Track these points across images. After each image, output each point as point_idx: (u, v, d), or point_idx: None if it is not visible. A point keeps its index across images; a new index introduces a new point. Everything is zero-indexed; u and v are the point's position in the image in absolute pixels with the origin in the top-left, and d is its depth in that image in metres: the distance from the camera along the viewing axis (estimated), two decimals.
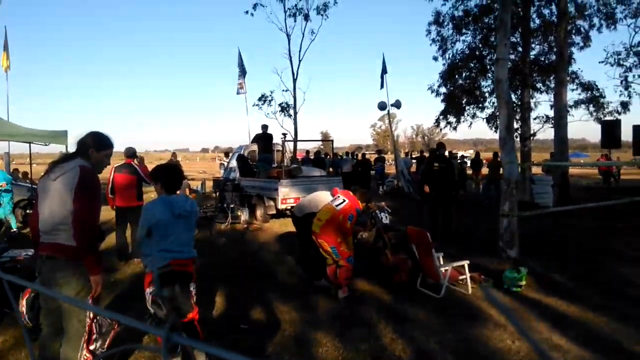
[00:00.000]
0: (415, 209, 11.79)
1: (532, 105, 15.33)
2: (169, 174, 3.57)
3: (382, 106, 17.03)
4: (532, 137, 14.51)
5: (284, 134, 11.75)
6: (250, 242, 8.62)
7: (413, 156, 19.85)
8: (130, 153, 7.23)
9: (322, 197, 6.34)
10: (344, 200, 5.67)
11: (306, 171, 11.75)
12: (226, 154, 17.91)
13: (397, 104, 17.02)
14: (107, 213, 7.20)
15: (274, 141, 13.38)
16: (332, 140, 14.47)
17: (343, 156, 19.78)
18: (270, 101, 22.60)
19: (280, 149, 12.69)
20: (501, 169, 8.92)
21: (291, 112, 22.67)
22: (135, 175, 7.10)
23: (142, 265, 5.75)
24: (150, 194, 3.79)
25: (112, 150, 3.34)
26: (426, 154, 16.71)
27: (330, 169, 16.73)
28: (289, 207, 10.52)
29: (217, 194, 12.39)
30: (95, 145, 3.23)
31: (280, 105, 22.58)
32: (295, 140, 20.21)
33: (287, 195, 10.53)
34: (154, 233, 3.38)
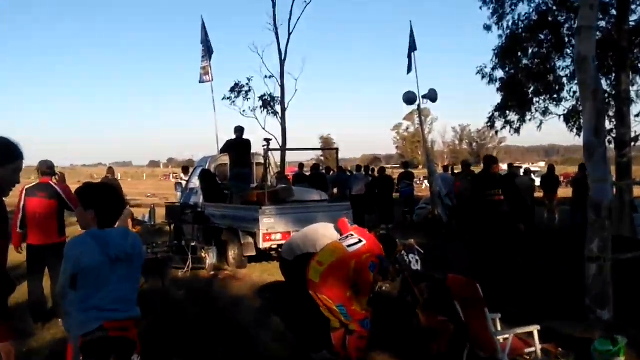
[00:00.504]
0: (459, 248, 11.80)
1: (633, 95, 14.76)
2: (105, 197, 3.60)
3: (410, 99, 17.18)
4: (633, 143, 14.07)
5: (268, 140, 11.84)
6: (220, 296, 8.63)
7: (455, 171, 19.88)
8: (47, 168, 7.22)
9: (324, 231, 6.39)
10: (360, 241, 5.72)
11: (300, 193, 11.83)
12: (185, 170, 18.01)
13: (432, 96, 17.15)
14: (17, 255, 7.19)
15: (253, 151, 13.52)
16: (337, 149, 14.54)
17: (353, 171, 19.88)
18: (247, 93, 22.81)
19: (263, 161, 12.79)
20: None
21: (277, 108, 22.96)
22: (55, 200, 7.07)
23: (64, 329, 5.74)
24: (77, 226, 3.84)
25: (22, 164, 3.38)
26: (472, 168, 16.70)
27: (335, 190, 16.87)
28: (274, 246, 10.58)
29: (172, 226, 12.44)
30: None
31: (261, 98, 22.90)
32: (283, 149, 20.37)
33: (271, 228, 10.59)
34: (80, 283, 3.40)
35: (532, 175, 18.61)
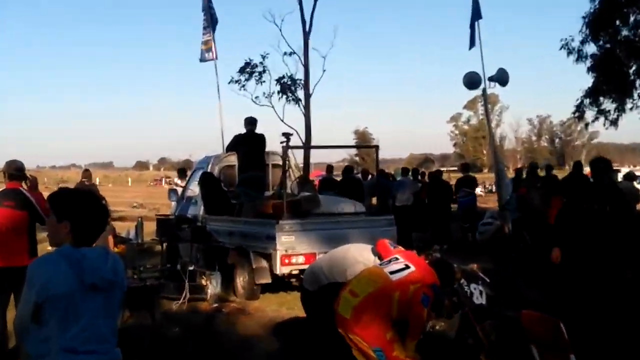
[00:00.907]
0: (536, 275, 11.66)
1: None
2: (85, 206, 3.64)
3: (472, 81, 17.09)
4: None
5: (287, 135, 11.87)
6: (224, 336, 8.67)
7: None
8: (16, 170, 7.19)
9: (358, 254, 6.39)
10: (407, 267, 5.71)
11: (328, 204, 11.88)
12: (181, 173, 18.12)
13: (501, 77, 17.03)
14: None
15: (269, 148, 13.61)
16: (377, 147, 14.53)
17: (397, 176, 19.86)
18: (261, 74, 22.72)
19: (281, 162, 12.83)
20: None
21: (300, 93, 22.88)
22: (25, 211, 7.04)
23: None
24: (47, 243, 3.90)
25: None
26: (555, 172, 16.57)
27: (374, 200, 16.92)
28: (295, 272, 10.62)
29: (165, 245, 12.53)
30: None
31: (279, 81, 22.78)
32: (307, 147, 20.28)
33: (291, 248, 10.64)
34: (45, 316, 3.43)
35: (637, 181, 18.27)
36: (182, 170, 18.61)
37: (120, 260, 3.71)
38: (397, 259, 5.87)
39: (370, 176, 19.30)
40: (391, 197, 17.09)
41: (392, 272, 5.66)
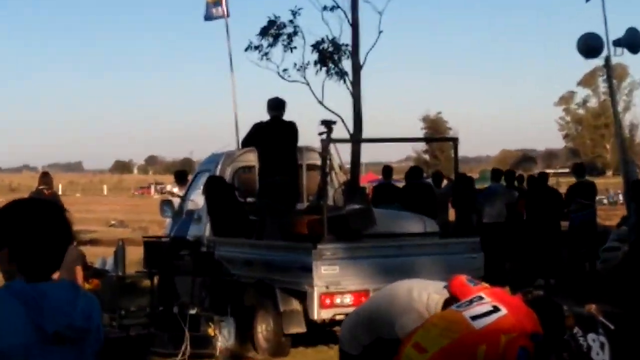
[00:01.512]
0: None
1: None
2: (32, 225, 3.65)
3: (590, 47, 16.94)
4: None
5: (328, 125, 11.88)
6: None
7: None
8: None
9: (422, 294, 6.37)
10: (495, 309, 5.68)
11: (386, 220, 11.91)
12: (179, 177, 18.11)
13: (632, 41, 16.86)
14: None
15: (302, 143, 13.73)
16: (456, 140, 14.40)
17: (484, 181, 19.73)
18: (291, 38, 22.69)
19: (319, 162, 12.85)
20: None
21: (346, 65, 22.73)
22: None
23: None
24: None
25: None
26: None
27: (451, 215, 17.16)
28: (339, 317, 10.56)
29: (156, 279, 12.59)
30: None
31: (317, 48, 22.67)
32: (356, 140, 20.13)
33: (335, 284, 10.69)
34: None
35: None
36: (181, 174, 18.64)
37: (95, 299, 3.72)
38: (481, 298, 5.83)
39: (446, 181, 19.25)
40: (476, 212, 17.02)
41: (474, 317, 5.62)
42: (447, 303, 6.11)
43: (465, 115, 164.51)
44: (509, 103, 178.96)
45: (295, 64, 21.79)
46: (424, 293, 6.36)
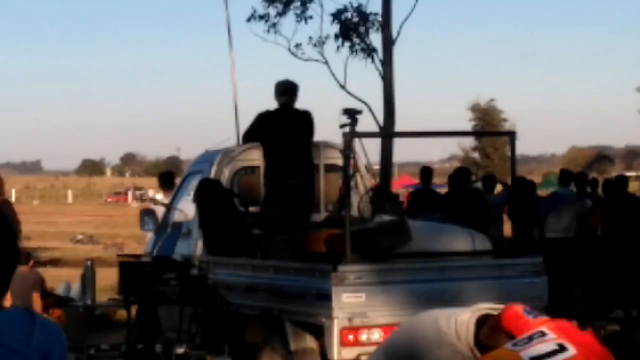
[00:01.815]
0: None
1: None
2: None
3: None
4: None
5: (352, 114, 11.90)
6: None
7: None
8: None
9: (450, 319, 6.39)
10: (562, 349, 5.70)
11: (425, 235, 11.87)
12: (164, 180, 18.07)
13: None
14: None
15: (319, 138, 13.75)
16: (513, 134, 14.44)
17: (548, 186, 19.66)
18: (304, 5, 22.63)
19: (340, 162, 12.87)
20: None
21: (374, 39, 22.64)
22: None
23: None
24: None
25: None
26: None
27: (507, 229, 16.92)
28: (363, 358, 10.62)
29: (135, 308, 12.58)
30: None
31: (338, 18, 22.60)
32: (387, 135, 20.02)
33: (360, 315, 10.66)
34: None
35: None
36: (166, 176, 18.64)
37: (57, 330, 3.73)
38: (543, 334, 5.84)
39: (500, 187, 19.25)
40: (538, 224, 17.02)
41: (535, 359, 5.66)
42: (480, 323, 6.12)
43: (524, 103, 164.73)
44: (580, 89, 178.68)
45: (310, 38, 21.90)
46: (452, 319, 6.37)
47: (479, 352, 5.92)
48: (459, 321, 6.27)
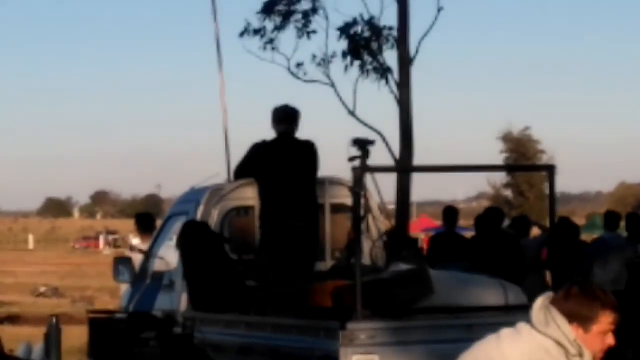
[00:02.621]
0: None
1: None
2: None
3: None
4: None
5: (363, 145, 11.95)
6: None
7: None
8: None
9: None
10: None
11: (449, 288, 11.93)
12: (142, 222, 18.07)
13: None
14: None
15: (325, 174, 13.76)
16: (553, 167, 14.46)
17: (594, 230, 19.67)
18: (307, 18, 22.70)
19: (349, 201, 12.89)
20: None
21: (389, 57, 22.76)
22: None
23: None
24: None
25: None
26: None
27: (547, 279, 16.95)
28: None
29: None
30: None
31: (346, 33, 22.72)
32: (404, 169, 20.08)
33: None
34: None
35: None
36: (144, 218, 18.71)
37: None
38: None
39: (537, 229, 19.24)
40: (582, 274, 17.03)
41: None
42: None
43: (564, 132, 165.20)
44: (630, 117, 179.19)
45: (314, 56, 21.97)
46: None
47: None
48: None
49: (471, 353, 6.68)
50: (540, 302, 6.00)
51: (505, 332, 6.32)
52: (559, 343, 5.87)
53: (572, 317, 5.83)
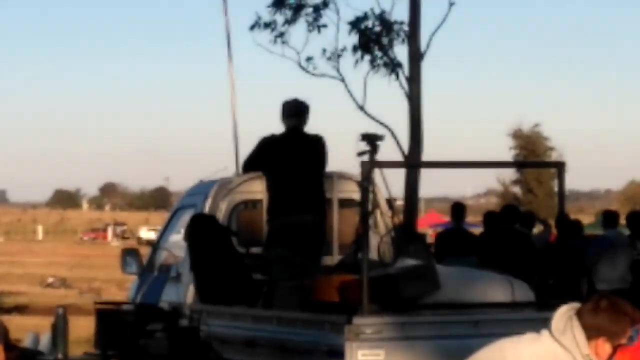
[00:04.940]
0: None
1: None
2: None
3: None
4: None
5: (372, 140, 11.92)
6: None
7: None
8: None
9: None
10: None
11: (456, 284, 11.90)
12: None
13: None
14: None
15: (334, 168, 13.82)
16: (562, 164, 14.42)
17: (597, 228, 19.63)
18: (317, 12, 22.62)
19: (357, 196, 12.86)
20: None
21: (399, 52, 22.70)
22: None
23: None
24: None
25: None
26: None
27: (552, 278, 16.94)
28: None
29: None
30: None
31: (356, 27, 22.64)
32: (413, 165, 19.97)
33: None
34: None
35: None
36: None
37: None
38: None
39: (543, 227, 19.17)
40: (586, 273, 16.97)
41: None
42: None
43: (575, 130, 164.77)
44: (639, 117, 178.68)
45: (324, 51, 21.91)
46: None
47: None
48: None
49: (490, 347, 6.68)
50: (563, 311, 6.02)
51: (528, 334, 6.35)
52: (570, 352, 5.87)
53: (601, 331, 5.83)
